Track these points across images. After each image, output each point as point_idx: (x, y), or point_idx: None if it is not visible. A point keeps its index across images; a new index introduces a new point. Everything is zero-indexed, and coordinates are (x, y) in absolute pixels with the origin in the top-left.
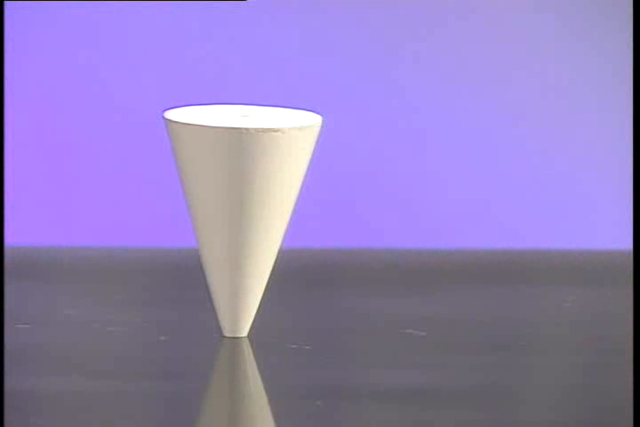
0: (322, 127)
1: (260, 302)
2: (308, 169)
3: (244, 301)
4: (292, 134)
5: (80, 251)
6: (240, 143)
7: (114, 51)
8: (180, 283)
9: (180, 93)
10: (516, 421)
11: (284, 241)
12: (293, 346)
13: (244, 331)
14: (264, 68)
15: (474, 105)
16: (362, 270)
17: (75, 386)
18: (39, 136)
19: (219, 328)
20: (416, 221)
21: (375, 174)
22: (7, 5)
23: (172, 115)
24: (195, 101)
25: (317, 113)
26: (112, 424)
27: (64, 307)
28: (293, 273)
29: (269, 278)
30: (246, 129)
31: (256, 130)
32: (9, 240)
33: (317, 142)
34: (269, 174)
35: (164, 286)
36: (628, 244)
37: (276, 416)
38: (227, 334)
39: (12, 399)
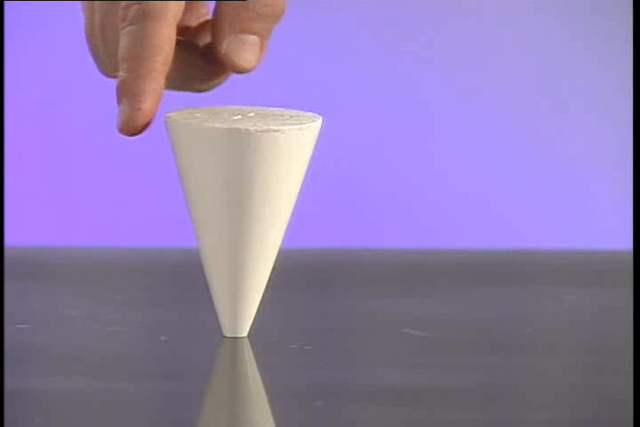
0: (322, 128)
1: (260, 302)
2: (308, 169)
3: (244, 301)
4: (292, 135)
5: (80, 251)
6: (240, 144)
7: None
8: (180, 283)
9: (181, 93)
10: (516, 421)
11: (284, 241)
12: (293, 346)
13: (244, 331)
14: (264, 68)
15: (474, 105)
16: (362, 270)
17: (75, 386)
18: (39, 136)
19: (219, 328)
20: (416, 221)
21: (375, 175)
22: (7, 5)
23: (172, 115)
24: (195, 101)
25: (318, 113)
26: (112, 424)
27: (64, 307)
28: (293, 273)
29: (269, 278)
30: (246, 129)
31: (256, 130)
32: (9, 240)
33: (317, 143)
34: (269, 175)
35: (163, 286)
36: (628, 244)
37: (276, 416)
38: (227, 334)
39: (11, 399)
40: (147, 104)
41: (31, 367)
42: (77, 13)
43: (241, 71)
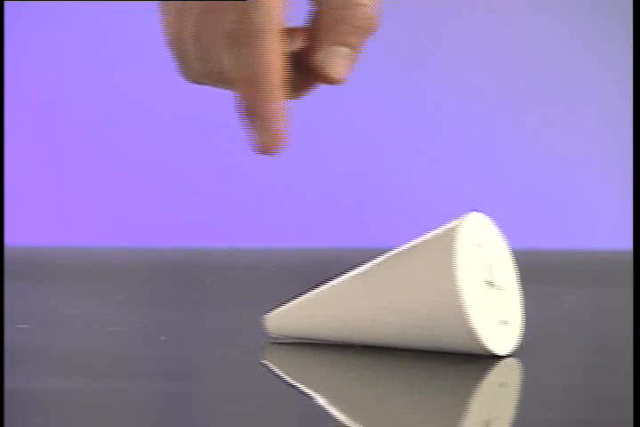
0: (322, 128)
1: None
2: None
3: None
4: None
5: (80, 251)
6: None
7: (115, 51)
8: (180, 283)
9: (183, 92)
10: (515, 421)
11: (284, 241)
12: (294, 346)
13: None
14: None
15: (474, 105)
16: None
17: (75, 386)
18: (39, 136)
19: (219, 328)
20: (416, 221)
21: (375, 175)
22: (7, 5)
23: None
24: (196, 99)
25: (317, 113)
26: (112, 424)
27: (64, 307)
28: (295, 273)
29: (269, 277)
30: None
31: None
32: (9, 240)
33: (320, 144)
34: None
35: (164, 286)
36: (628, 244)
37: (276, 416)
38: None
39: (11, 399)
40: (280, 123)
41: (31, 367)
42: (78, 14)
43: (333, 82)
